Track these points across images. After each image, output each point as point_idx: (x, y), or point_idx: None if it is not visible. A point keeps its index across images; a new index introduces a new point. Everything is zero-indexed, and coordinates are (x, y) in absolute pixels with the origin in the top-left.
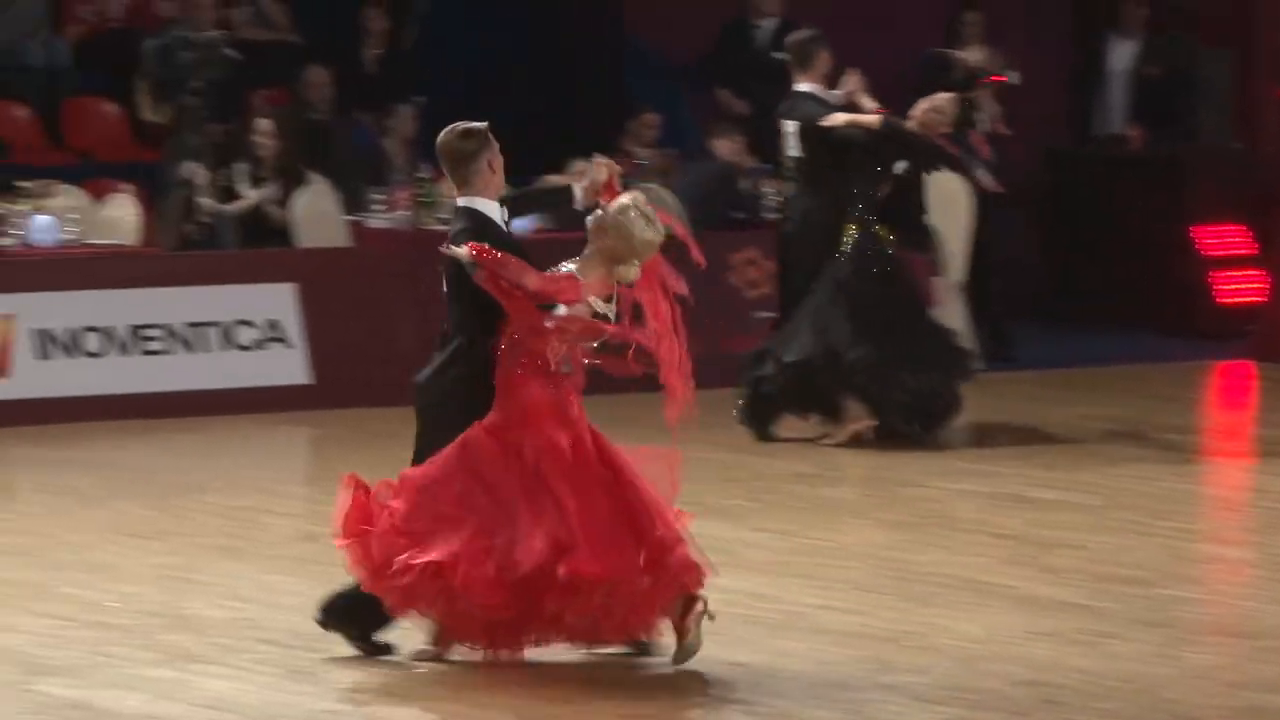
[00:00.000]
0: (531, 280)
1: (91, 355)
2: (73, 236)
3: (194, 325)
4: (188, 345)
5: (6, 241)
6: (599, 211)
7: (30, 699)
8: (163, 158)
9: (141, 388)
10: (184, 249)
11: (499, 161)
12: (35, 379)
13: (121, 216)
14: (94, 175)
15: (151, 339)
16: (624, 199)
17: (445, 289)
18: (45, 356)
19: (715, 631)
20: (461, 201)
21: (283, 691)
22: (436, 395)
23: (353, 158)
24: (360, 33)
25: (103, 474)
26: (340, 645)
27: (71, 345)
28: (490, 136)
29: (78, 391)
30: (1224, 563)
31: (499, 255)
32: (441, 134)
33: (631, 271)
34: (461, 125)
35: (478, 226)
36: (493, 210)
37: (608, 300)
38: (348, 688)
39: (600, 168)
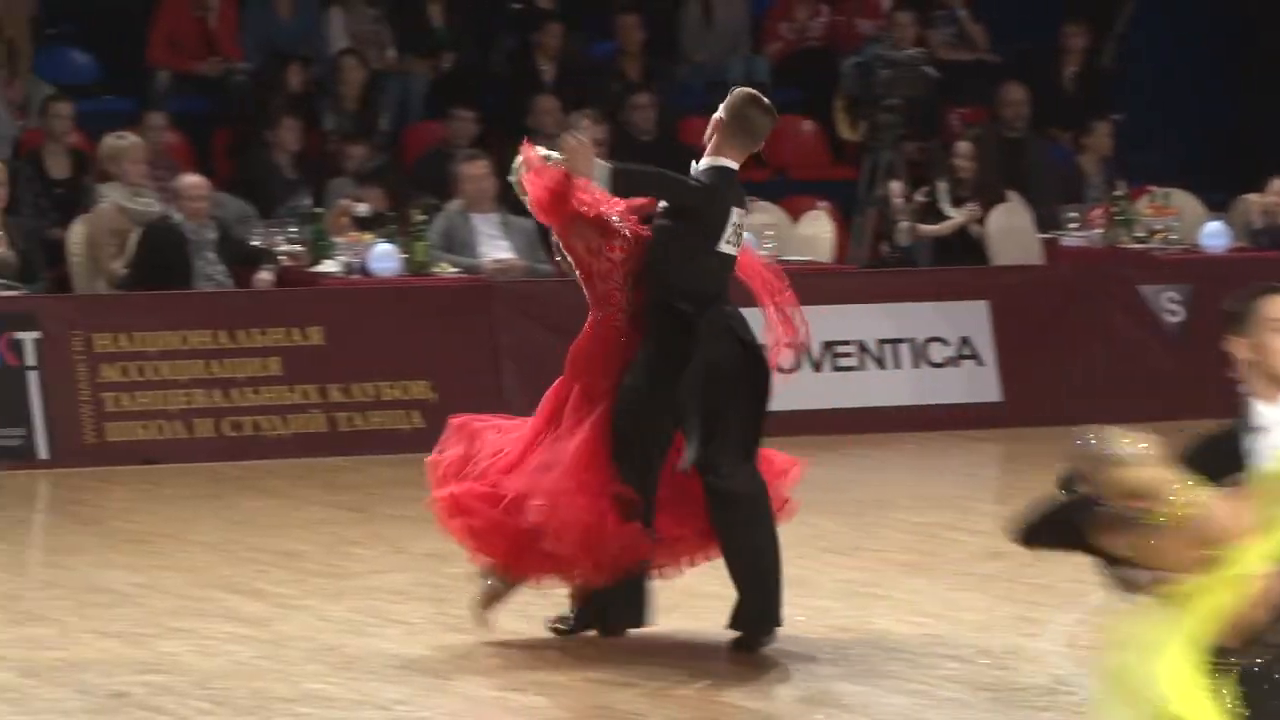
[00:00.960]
0: None
1: (783, 371)
2: (769, 253)
3: (886, 342)
4: (879, 362)
5: None
6: None
7: (715, 709)
8: (859, 175)
9: (833, 403)
10: (877, 266)
11: None
12: None
13: (816, 234)
14: (790, 192)
15: (844, 355)
16: None
17: None
18: None
19: None
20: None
21: (969, 709)
22: None
23: (1048, 175)
24: (1058, 51)
25: (796, 488)
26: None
27: None
28: None
29: (771, 406)
30: None
31: None
32: (748, 92)
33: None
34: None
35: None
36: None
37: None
38: (1042, 707)
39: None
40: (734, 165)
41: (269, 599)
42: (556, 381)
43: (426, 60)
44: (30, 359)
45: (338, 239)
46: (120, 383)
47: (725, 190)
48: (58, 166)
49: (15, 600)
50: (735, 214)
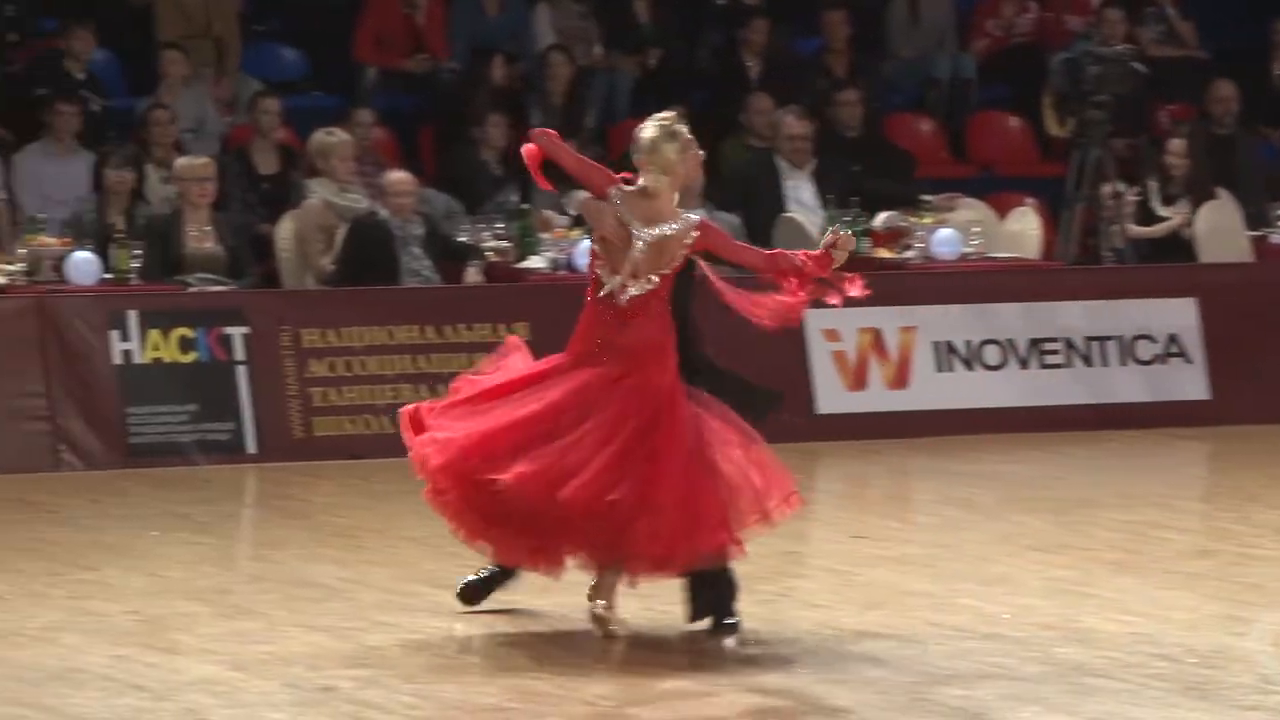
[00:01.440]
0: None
1: (990, 368)
2: (974, 250)
3: (1093, 339)
4: (1086, 359)
5: (909, 255)
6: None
7: (924, 706)
8: (1066, 172)
9: (1038, 401)
10: (1084, 263)
11: None
12: (934, 390)
13: (1023, 230)
14: (997, 189)
15: (1050, 352)
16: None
17: None
18: (945, 369)
19: None
20: None
21: (1177, 709)
22: None
23: (1257, 173)
24: (1268, 47)
25: (999, 486)
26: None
27: (971, 358)
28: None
29: (976, 403)
30: None
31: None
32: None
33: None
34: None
35: None
36: None
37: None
38: (1249, 706)
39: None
40: None
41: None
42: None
43: (633, 57)
44: (239, 354)
45: (544, 235)
46: (328, 378)
47: None
48: (266, 162)
49: (224, 594)
50: None
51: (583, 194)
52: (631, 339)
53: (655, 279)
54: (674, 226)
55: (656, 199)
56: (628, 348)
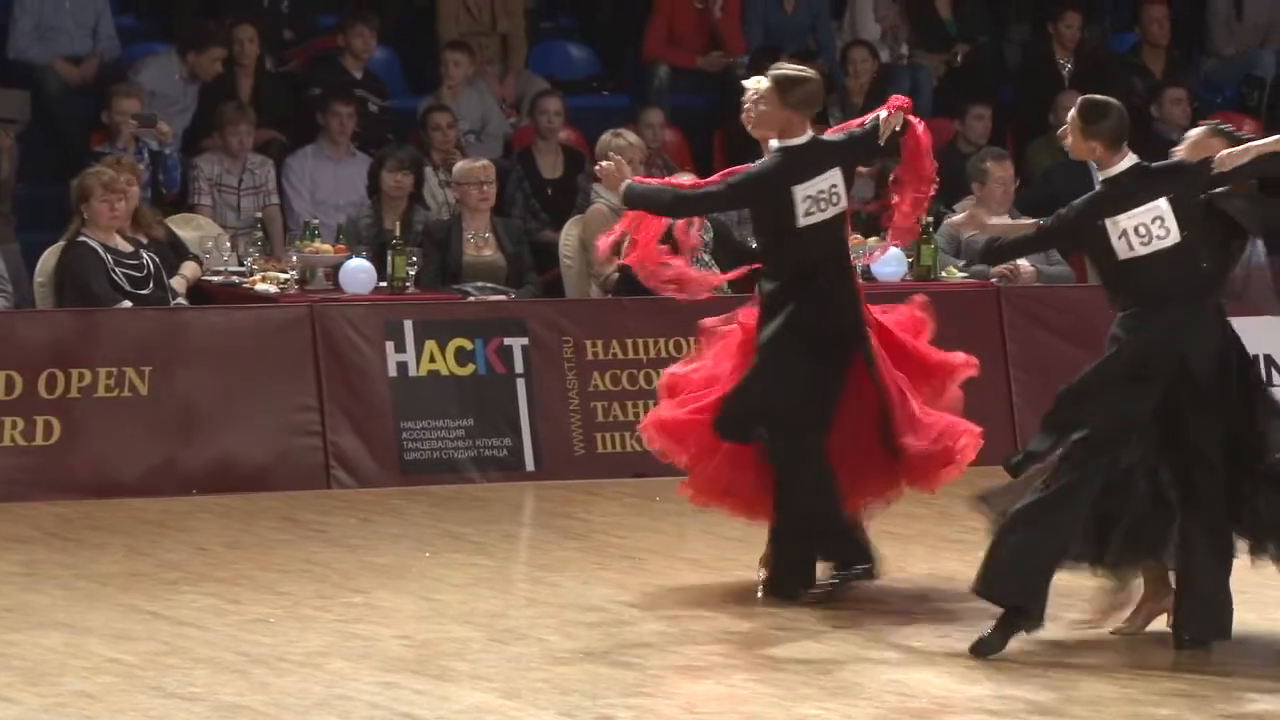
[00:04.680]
0: None
1: None
2: None
3: None
4: None
5: None
6: None
7: None
8: None
9: None
10: None
11: None
12: None
13: None
14: None
15: None
16: None
17: None
18: None
19: None
20: None
21: None
22: None
23: None
24: None
25: None
26: None
27: None
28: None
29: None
30: None
31: None
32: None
33: None
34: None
35: None
36: None
37: None
38: None
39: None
40: (796, 142)
41: (761, 619)
42: None
43: (938, 54)
44: (518, 366)
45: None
46: (611, 391)
47: (778, 172)
48: (549, 165)
49: (498, 618)
50: (802, 188)
51: None
52: None
53: None
54: None
55: None
56: None
